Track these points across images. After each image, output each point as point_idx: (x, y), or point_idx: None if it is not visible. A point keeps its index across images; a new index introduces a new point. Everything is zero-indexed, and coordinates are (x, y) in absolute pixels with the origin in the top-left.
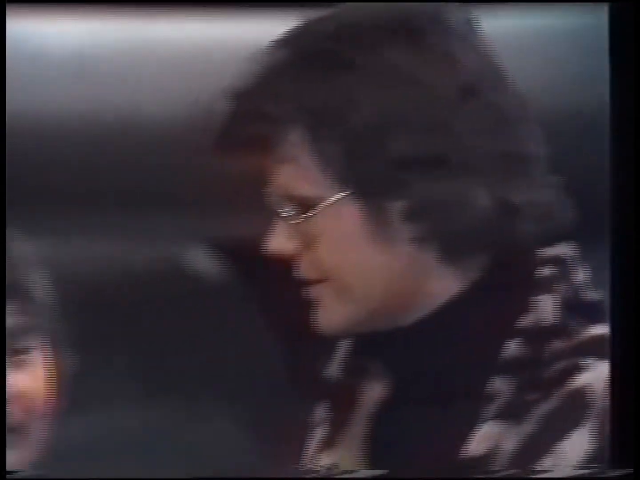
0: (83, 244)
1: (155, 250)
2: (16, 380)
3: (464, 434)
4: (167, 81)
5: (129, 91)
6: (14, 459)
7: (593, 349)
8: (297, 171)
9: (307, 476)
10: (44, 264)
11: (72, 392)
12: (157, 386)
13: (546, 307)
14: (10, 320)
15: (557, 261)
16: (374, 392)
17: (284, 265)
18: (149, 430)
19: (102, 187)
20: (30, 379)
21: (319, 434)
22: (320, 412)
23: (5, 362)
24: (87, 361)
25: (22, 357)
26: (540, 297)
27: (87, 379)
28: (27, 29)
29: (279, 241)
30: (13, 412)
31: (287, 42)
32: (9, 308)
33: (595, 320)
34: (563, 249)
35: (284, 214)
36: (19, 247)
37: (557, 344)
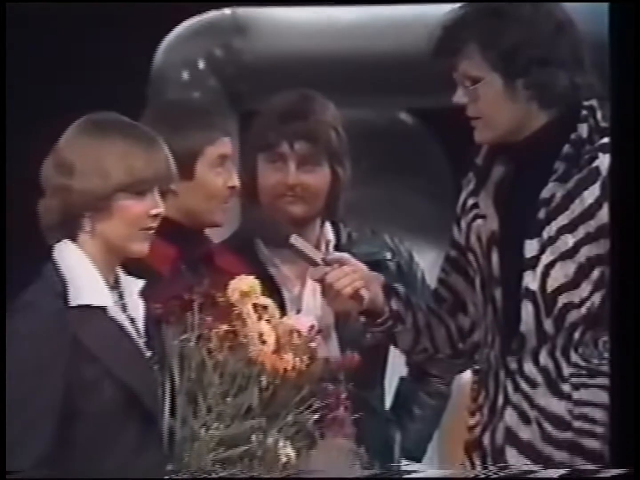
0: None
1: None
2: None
3: (537, 191)
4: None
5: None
6: None
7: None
8: (471, 63)
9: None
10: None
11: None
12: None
13: (583, 131)
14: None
15: (592, 108)
16: (501, 173)
17: (461, 110)
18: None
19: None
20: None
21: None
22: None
23: (5, 362)
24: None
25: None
26: (582, 124)
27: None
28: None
29: (460, 97)
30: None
31: (471, 3)
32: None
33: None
34: (595, 102)
35: (464, 85)
36: (331, 112)
37: (587, 147)
